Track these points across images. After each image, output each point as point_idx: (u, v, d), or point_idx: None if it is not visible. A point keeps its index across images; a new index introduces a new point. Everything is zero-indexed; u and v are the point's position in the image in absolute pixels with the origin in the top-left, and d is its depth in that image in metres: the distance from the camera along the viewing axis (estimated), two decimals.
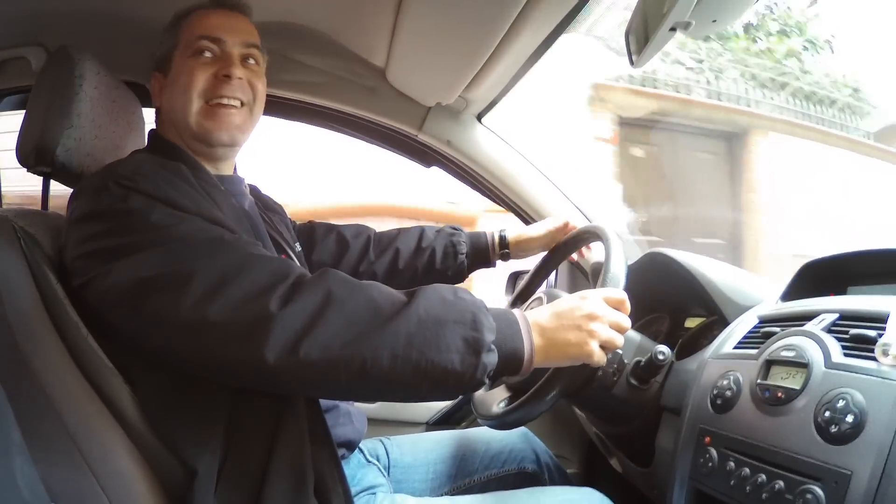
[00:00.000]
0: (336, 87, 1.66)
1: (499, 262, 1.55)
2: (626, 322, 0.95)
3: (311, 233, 1.48)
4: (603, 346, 0.92)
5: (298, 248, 1.35)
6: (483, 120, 1.77)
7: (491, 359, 0.85)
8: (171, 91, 1.11)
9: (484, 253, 1.51)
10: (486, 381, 0.86)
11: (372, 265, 1.47)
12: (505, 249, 1.51)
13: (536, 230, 1.48)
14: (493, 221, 1.55)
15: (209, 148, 1.12)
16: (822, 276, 1.14)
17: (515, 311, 0.93)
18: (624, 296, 0.98)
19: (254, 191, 1.31)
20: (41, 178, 1.18)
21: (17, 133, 1.13)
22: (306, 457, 0.93)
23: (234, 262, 0.83)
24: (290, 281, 0.82)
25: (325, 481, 0.95)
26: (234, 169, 1.24)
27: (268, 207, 1.33)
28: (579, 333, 0.91)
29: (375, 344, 0.80)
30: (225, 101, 1.09)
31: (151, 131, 1.17)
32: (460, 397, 1.87)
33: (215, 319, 0.79)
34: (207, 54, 1.10)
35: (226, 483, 0.89)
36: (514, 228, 1.53)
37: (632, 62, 1.05)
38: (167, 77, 1.13)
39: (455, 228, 1.55)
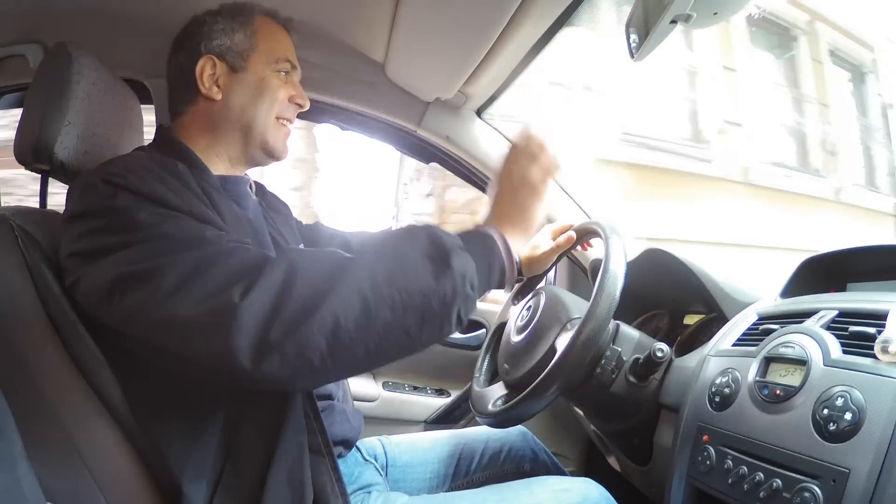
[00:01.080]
0: (335, 82, 1.66)
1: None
2: (548, 146, 1.00)
3: (317, 234, 1.44)
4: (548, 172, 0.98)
5: (302, 248, 1.35)
6: (482, 115, 1.77)
7: (464, 262, 0.84)
8: (245, 92, 1.12)
9: None
10: (471, 289, 0.84)
11: None
12: (519, 274, 1.41)
13: (543, 245, 1.39)
14: None
15: (267, 158, 1.17)
16: (821, 273, 1.14)
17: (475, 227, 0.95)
18: (529, 130, 1.01)
19: (259, 189, 1.29)
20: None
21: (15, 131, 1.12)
22: (305, 470, 0.92)
23: (206, 257, 0.81)
24: (255, 272, 0.79)
25: (326, 495, 0.94)
26: None
27: (272, 207, 1.32)
28: (524, 190, 0.97)
29: (339, 294, 0.77)
30: (289, 124, 1.18)
31: (160, 128, 1.16)
32: (458, 394, 1.88)
33: (183, 315, 0.77)
34: (283, 74, 1.15)
35: (222, 493, 0.89)
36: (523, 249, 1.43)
37: (632, 56, 1.04)
38: (236, 73, 1.11)
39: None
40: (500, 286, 0.92)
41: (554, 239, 1.38)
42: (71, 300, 0.89)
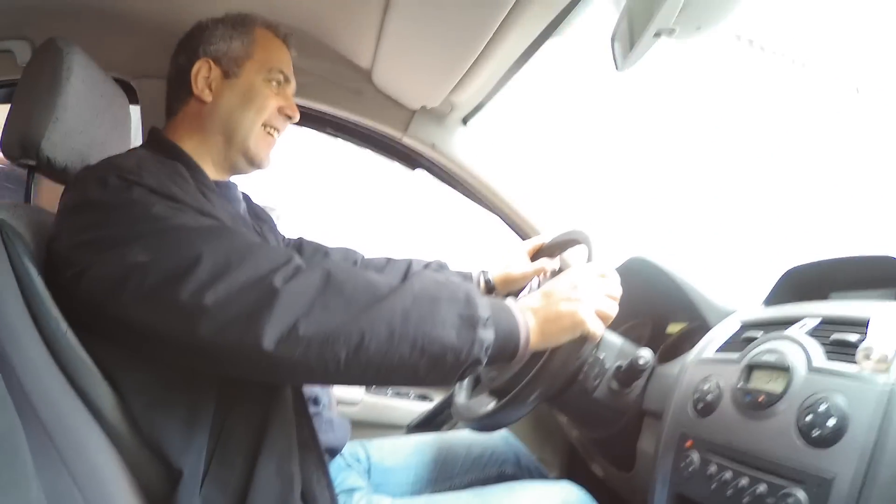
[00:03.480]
0: (321, 88, 1.65)
1: None
2: (616, 290, 1.00)
3: (300, 249, 1.45)
4: (598, 316, 0.95)
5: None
6: (469, 124, 1.77)
7: (487, 335, 0.86)
8: (234, 97, 1.15)
9: None
10: (484, 358, 0.87)
11: None
12: (490, 292, 1.41)
13: (521, 267, 1.41)
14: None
15: (247, 165, 1.19)
16: (804, 282, 1.15)
17: (507, 300, 0.95)
18: (608, 266, 1.01)
19: (244, 198, 1.30)
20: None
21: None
22: (293, 462, 0.92)
23: (238, 248, 0.84)
24: (292, 264, 0.84)
25: (312, 487, 0.94)
26: None
27: (257, 216, 1.32)
28: (570, 304, 0.94)
29: (373, 318, 0.81)
30: (276, 134, 1.21)
31: (152, 130, 1.17)
32: (441, 399, 1.88)
33: (218, 303, 0.79)
34: (275, 85, 1.18)
35: (211, 486, 0.88)
36: (497, 267, 1.43)
37: (617, 67, 1.05)
38: (229, 79, 1.15)
39: (442, 265, 1.48)
40: (507, 362, 0.94)
41: (531, 257, 1.42)
42: (57, 296, 0.88)
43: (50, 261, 0.90)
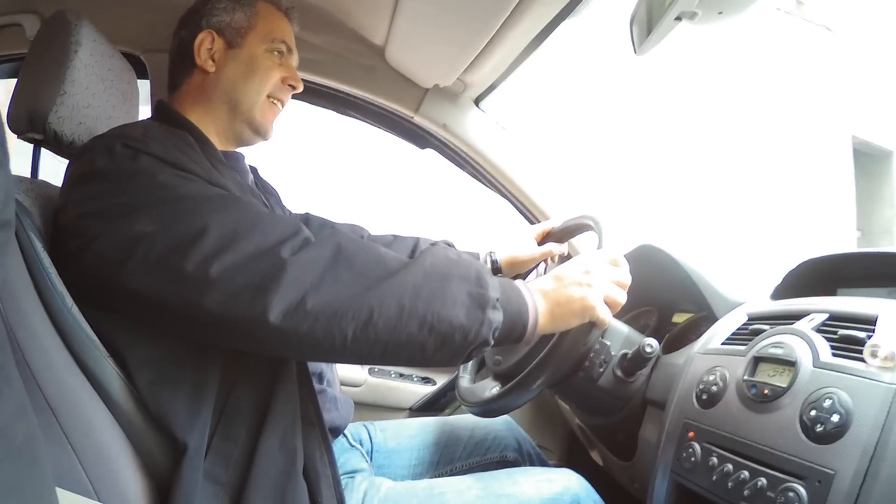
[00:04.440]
0: (334, 64, 1.65)
1: None
2: (626, 278, 0.99)
3: (306, 224, 1.43)
4: (606, 303, 0.95)
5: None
6: (481, 104, 1.76)
7: (496, 316, 0.86)
8: (237, 68, 1.16)
9: None
10: (492, 339, 0.87)
11: None
12: (496, 274, 1.37)
13: (529, 250, 1.39)
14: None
15: (252, 135, 1.20)
16: (812, 277, 1.14)
17: (517, 280, 0.95)
18: (619, 254, 1.01)
19: (252, 170, 1.31)
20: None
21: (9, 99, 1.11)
22: (297, 437, 0.92)
23: (246, 218, 0.84)
24: (301, 235, 0.84)
25: (315, 463, 0.94)
26: None
27: (265, 189, 1.33)
28: (580, 288, 0.94)
29: (382, 293, 0.81)
30: (280, 105, 1.22)
31: (159, 102, 1.17)
32: (444, 382, 1.88)
33: (224, 274, 0.79)
34: (278, 55, 1.19)
35: (213, 459, 0.89)
36: (504, 249, 1.40)
37: (635, 50, 1.04)
38: (232, 49, 1.16)
39: (449, 244, 1.45)
40: (514, 344, 0.95)
41: (539, 241, 1.39)
42: (62, 270, 0.87)
43: (56, 234, 0.89)
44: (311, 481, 0.93)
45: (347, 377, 1.87)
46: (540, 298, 0.93)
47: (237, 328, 0.81)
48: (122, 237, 0.82)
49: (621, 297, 0.97)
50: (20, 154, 1.13)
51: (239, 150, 1.22)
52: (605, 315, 0.94)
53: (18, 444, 0.57)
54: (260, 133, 1.20)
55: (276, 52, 1.19)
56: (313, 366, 1.11)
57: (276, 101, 1.20)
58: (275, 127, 1.23)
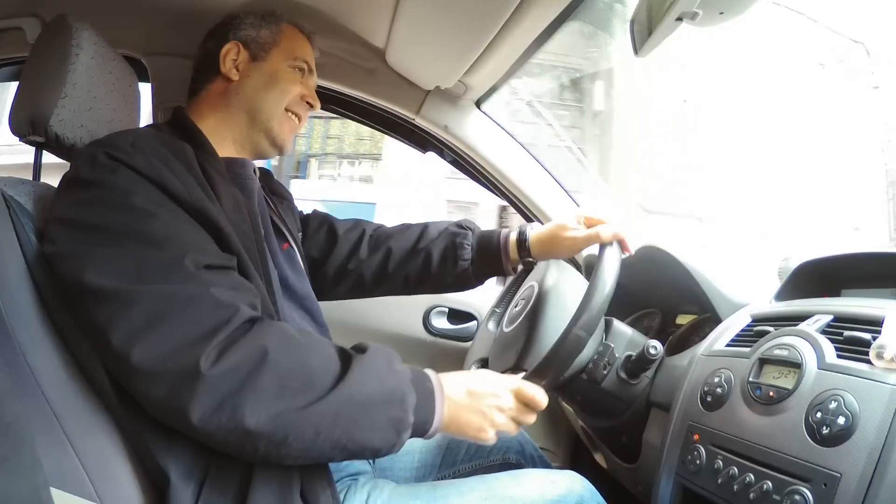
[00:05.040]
0: (335, 67, 1.65)
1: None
2: (531, 420, 1.02)
3: (306, 224, 1.44)
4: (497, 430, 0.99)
5: (301, 236, 1.36)
6: (482, 106, 1.76)
7: (407, 435, 0.88)
8: (259, 79, 1.19)
9: (494, 259, 1.35)
10: (396, 451, 0.89)
11: (361, 264, 1.40)
12: (526, 256, 1.33)
13: (572, 231, 1.25)
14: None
15: (270, 147, 1.22)
16: (816, 278, 1.14)
17: (433, 378, 0.95)
18: (540, 395, 1.01)
19: (264, 175, 1.31)
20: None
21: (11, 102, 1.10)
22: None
23: (180, 298, 0.81)
24: (231, 326, 0.81)
25: (313, 486, 0.93)
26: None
27: (275, 193, 1.33)
28: (482, 419, 0.97)
29: (301, 422, 0.80)
30: (298, 120, 1.25)
31: (177, 109, 1.18)
32: None
33: (146, 363, 0.78)
34: (299, 73, 1.23)
35: (209, 487, 0.87)
36: (544, 227, 1.31)
37: (636, 51, 1.03)
38: (255, 62, 1.20)
39: (462, 227, 1.39)
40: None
41: (588, 226, 1.24)
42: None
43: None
44: (307, 498, 0.92)
45: None
46: (447, 410, 0.94)
47: (155, 412, 0.82)
48: (75, 278, 0.82)
49: (514, 432, 1.01)
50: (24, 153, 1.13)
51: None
52: (491, 441, 0.98)
53: (7, 421, 0.59)
54: (277, 145, 1.21)
55: (297, 70, 1.23)
56: None
57: (293, 116, 1.23)
58: (292, 140, 1.25)
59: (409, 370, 0.91)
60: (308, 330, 0.93)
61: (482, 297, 1.96)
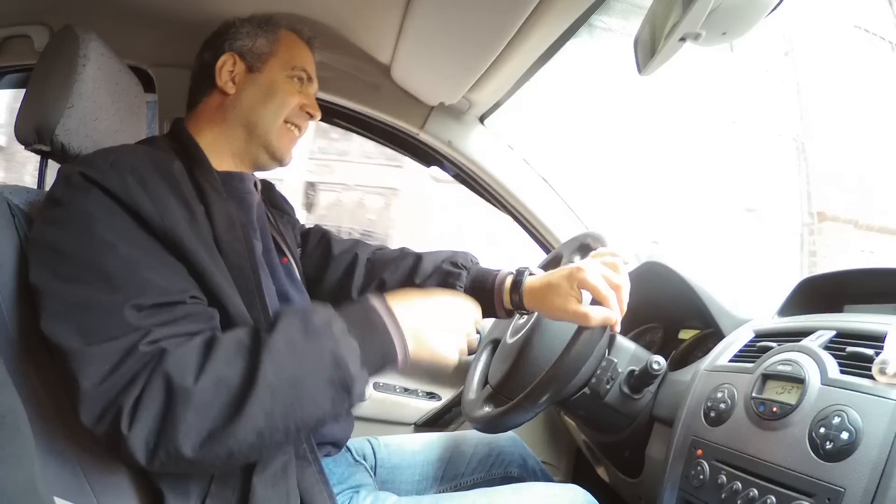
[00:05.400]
0: (340, 82, 1.66)
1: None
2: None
3: (306, 238, 1.42)
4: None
5: (300, 251, 1.36)
6: (486, 122, 1.77)
7: (362, 382, 0.83)
8: (256, 91, 1.16)
9: (486, 303, 1.21)
10: (364, 399, 0.85)
11: (354, 291, 1.33)
12: (519, 304, 1.18)
13: (564, 299, 1.08)
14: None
15: (269, 160, 1.19)
16: (818, 294, 1.14)
17: (377, 303, 0.89)
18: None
19: (265, 187, 1.31)
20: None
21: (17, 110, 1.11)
22: (290, 477, 0.91)
23: (111, 353, 0.77)
24: (142, 378, 0.77)
25: (313, 495, 0.93)
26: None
27: (276, 206, 1.33)
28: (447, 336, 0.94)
29: (236, 432, 0.76)
30: (298, 131, 1.22)
31: (175, 121, 1.16)
32: (449, 398, 1.88)
33: (84, 420, 0.75)
34: (297, 82, 1.20)
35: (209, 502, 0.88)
36: (536, 277, 1.18)
37: (639, 71, 1.04)
38: (252, 73, 1.17)
39: (457, 265, 1.27)
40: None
41: (581, 288, 1.07)
42: None
43: None
44: None
45: None
46: (408, 335, 0.89)
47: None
48: (37, 293, 0.81)
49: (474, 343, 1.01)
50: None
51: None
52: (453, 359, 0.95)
53: (1, 412, 0.59)
54: (276, 158, 1.19)
55: (295, 79, 1.20)
56: None
57: (293, 127, 1.20)
58: (292, 152, 1.22)
59: (336, 319, 0.85)
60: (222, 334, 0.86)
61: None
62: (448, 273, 1.26)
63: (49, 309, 0.79)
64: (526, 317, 1.27)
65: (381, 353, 0.85)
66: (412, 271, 1.29)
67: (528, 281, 1.17)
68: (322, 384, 0.80)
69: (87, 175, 0.86)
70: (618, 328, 1.03)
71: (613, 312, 1.00)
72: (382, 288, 1.28)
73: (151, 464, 0.75)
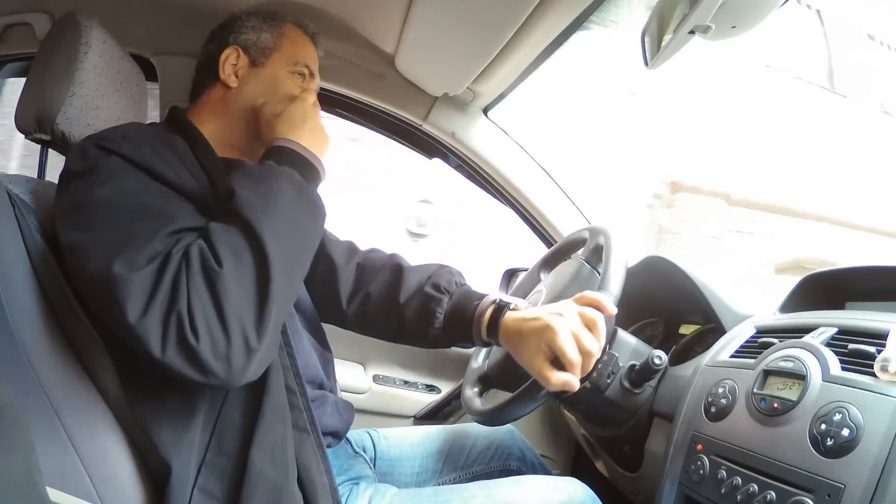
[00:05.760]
0: (344, 71, 1.65)
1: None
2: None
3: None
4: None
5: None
6: (489, 114, 1.76)
7: (316, 187, 0.99)
8: (258, 86, 1.17)
9: (465, 333, 1.16)
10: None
11: (340, 295, 1.29)
12: (494, 339, 1.11)
13: (530, 358, 1.02)
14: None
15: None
16: (820, 290, 1.14)
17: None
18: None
19: None
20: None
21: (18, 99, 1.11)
22: (288, 449, 0.91)
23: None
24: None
25: (310, 473, 0.94)
26: None
27: None
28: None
29: (275, 287, 0.83)
30: None
31: (172, 108, 1.17)
32: (449, 391, 1.88)
33: (117, 272, 0.78)
34: (299, 78, 1.21)
35: (208, 474, 0.88)
36: (516, 314, 1.09)
37: (646, 63, 1.04)
38: (255, 67, 1.18)
39: (440, 289, 1.20)
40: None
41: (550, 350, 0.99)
42: (65, 271, 0.88)
43: (55, 236, 0.90)
44: (306, 491, 0.92)
45: (351, 385, 1.87)
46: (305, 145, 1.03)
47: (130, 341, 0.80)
48: (73, 237, 0.83)
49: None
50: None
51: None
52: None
53: (0, 404, 0.59)
54: None
55: (297, 75, 1.20)
56: (310, 374, 1.10)
57: None
58: None
59: (271, 166, 0.96)
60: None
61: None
62: (429, 297, 1.20)
63: (92, 257, 0.81)
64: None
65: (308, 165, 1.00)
66: (396, 288, 1.24)
67: (505, 320, 1.09)
68: (303, 214, 0.92)
69: (102, 145, 0.89)
70: (576, 388, 0.98)
71: (574, 380, 0.96)
72: (367, 300, 1.27)
73: (229, 370, 0.79)
